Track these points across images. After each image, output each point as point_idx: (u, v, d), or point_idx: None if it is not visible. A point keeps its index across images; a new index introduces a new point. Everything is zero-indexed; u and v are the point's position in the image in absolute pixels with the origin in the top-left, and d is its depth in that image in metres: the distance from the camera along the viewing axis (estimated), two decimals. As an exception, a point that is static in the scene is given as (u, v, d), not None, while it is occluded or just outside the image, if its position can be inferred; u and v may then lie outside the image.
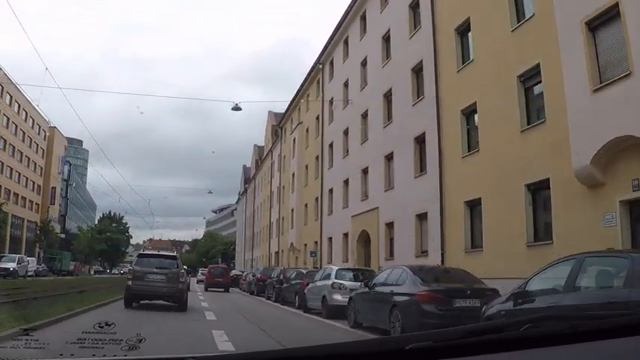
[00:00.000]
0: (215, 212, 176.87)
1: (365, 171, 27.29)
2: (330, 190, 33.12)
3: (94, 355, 2.14)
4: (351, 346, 1.56)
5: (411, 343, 1.43)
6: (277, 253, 49.74)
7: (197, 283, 41.82)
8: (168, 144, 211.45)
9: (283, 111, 52.28)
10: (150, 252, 22.04)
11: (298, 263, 38.65)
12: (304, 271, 20.56)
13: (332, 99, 33.84)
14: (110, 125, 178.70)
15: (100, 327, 2.47)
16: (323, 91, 35.86)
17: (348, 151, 30.45)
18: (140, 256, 16.85)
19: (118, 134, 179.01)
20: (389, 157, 24.46)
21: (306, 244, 38.34)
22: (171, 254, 18.87)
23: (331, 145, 33.58)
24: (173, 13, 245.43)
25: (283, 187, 48.52)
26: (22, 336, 2.58)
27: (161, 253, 20.36)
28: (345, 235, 29.52)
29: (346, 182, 30.18)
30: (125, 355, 2.12)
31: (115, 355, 2.11)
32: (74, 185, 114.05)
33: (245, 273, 41.54)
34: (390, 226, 23.81)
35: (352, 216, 28.19)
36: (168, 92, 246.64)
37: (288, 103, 47.02)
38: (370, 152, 26.54)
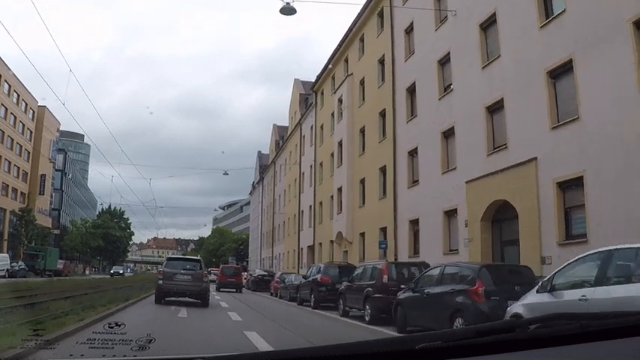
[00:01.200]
0: (222, 209, 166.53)
1: (494, 107, 17.07)
2: (412, 152, 22.94)
3: (104, 355, 2.17)
4: (360, 347, 1.51)
5: (420, 343, 1.42)
6: (312, 247, 39.61)
7: None
8: (173, 143, 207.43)
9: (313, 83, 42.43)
10: (177, 256, 23.17)
11: (349, 259, 28.59)
12: (472, 269, 9.86)
13: (412, 24, 23.69)
14: (114, 124, 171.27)
15: (110, 327, 2.45)
16: (392, 19, 25.68)
17: (448, 87, 20.24)
18: (169, 259, 18.68)
19: (123, 133, 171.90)
20: (559, 71, 14.25)
21: (363, 233, 28.19)
22: (196, 258, 20.40)
23: (412, 89, 23.39)
24: (178, 13, 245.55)
25: (320, 163, 38.40)
26: (33, 337, 2.57)
27: (187, 257, 21.58)
28: (449, 212, 19.36)
29: (447, 133, 19.99)
30: (135, 356, 2.06)
31: (124, 356, 2.05)
32: (71, 177, 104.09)
33: (280, 274, 31.38)
34: (567, 186, 13.64)
35: (467, 182, 18.01)
36: (174, 91, 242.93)
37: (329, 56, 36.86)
38: (507, 74, 16.33)
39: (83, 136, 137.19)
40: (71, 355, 2.32)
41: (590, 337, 1.44)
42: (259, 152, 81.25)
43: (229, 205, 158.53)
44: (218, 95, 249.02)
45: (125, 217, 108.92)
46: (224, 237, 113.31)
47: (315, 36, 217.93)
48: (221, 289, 30.10)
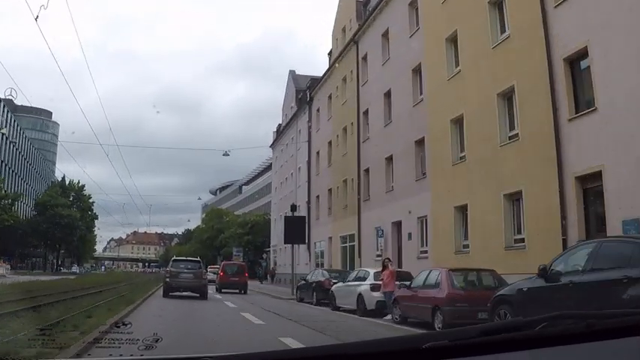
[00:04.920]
0: (214, 194, 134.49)
1: None
2: None
3: (110, 354, 2.18)
4: (367, 346, 1.52)
5: (427, 342, 1.42)
6: None
7: None
8: (153, 140, 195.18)
9: None
10: (181, 258, 25.38)
11: None
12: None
13: None
14: (93, 119, 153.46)
15: (116, 326, 2.47)
16: None
17: None
18: (174, 260, 21.62)
19: (105, 129, 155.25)
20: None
21: None
22: (196, 259, 22.61)
23: None
24: (157, 8, 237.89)
25: None
26: (39, 336, 2.61)
27: (189, 258, 24.33)
28: None
29: None
30: (142, 355, 2.07)
31: (131, 355, 2.04)
32: (7, 138, 71.97)
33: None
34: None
35: None
36: (153, 87, 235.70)
37: None
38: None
39: (51, 113, 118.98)
40: (78, 354, 2.52)
41: (597, 335, 1.42)
42: (292, 73, 50.14)
43: (223, 188, 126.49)
44: (198, 91, 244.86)
45: (85, 193, 77.15)
46: (223, 221, 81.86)
47: (295, 29, 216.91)
48: (222, 290, 26.18)
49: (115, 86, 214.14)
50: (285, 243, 26.80)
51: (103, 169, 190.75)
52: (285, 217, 26.81)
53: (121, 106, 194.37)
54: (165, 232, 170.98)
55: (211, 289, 25.99)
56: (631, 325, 1.47)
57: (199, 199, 63.34)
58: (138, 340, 2.17)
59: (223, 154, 34.39)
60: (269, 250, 55.75)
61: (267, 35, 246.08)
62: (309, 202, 37.66)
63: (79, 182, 76.65)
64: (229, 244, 72.01)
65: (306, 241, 25.11)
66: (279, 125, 53.47)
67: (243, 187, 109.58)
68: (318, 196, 36.25)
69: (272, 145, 55.51)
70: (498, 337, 1.48)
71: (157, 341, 2.11)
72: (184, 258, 25.09)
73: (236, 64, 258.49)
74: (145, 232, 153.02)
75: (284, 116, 51.22)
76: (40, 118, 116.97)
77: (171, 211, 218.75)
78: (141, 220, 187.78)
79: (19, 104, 73.34)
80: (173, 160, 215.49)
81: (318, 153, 37.00)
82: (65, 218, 65.91)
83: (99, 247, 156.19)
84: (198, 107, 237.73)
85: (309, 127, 39.33)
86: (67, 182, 77.54)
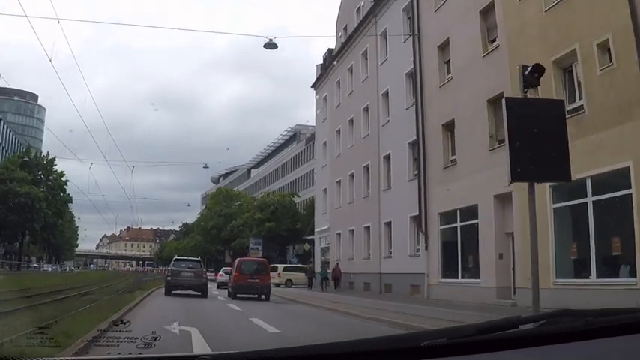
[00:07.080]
0: (216, 182, 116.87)
1: None
2: None
3: (109, 353, 2.23)
4: (365, 344, 1.48)
5: (425, 340, 1.41)
6: None
7: (218, 287, 29.31)
8: (149, 137, 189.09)
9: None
10: (182, 257, 25.51)
11: None
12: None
13: None
14: (88, 117, 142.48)
15: (115, 325, 2.44)
16: None
17: None
18: (176, 260, 22.07)
19: (99, 126, 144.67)
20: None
21: None
22: (197, 259, 22.86)
23: None
24: (151, 4, 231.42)
25: None
26: (38, 334, 2.53)
27: (190, 258, 24.65)
28: None
29: None
30: (140, 353, 2.03)
31: (130, 353, 2.00)
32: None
33: None
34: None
35: None
36: (146, 84, 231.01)
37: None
38: None
39: (37, 96, 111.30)
40: (76, 352, 2.46)
41: (595, 333, 1.40)
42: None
43: (227, 175, 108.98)
44: (194, 88, 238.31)
45: (57, 169, 59.51)
46: (234, 206, 64.45)
47: (290, 26, 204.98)
48: (238, 295, 20.20)
49: (111, 83, 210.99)
50: (512, 180, 9.06)
51: (99, 168, 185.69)
52: (509, 101, 8.79)
53: (117, 103, 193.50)
54: (161, 228, 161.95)
55: (214, 290, 25.17)
56: (629, 322, 1.44)
57: (206, 166, 46.49)
58: (136, 338, 2.12)
59: (264, 46, 19.26)
60: (312, 239, 38.28)
61: (263, 32, 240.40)
62: (422, 141, 20.19)
63: (47, 155, 59.16)
64: (242, 234, 55.01)
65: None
66: (329, 52, 35.93)
67: (252, 170, 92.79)
68: (447, 125, 18.87)
69: (314, 85, 37.91)
70: (496, 334, 1.45)
71: (155, 339, 2.05)
72: (185, 257, 25.63)
73: (231, 60, 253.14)
74: (140, 227, 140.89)
75: (339, 34, 33.76)
76: (24, 101, 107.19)
77: (166, 209, 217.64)
78: (134, 218, 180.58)
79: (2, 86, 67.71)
80: (167, 158, 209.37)
81: (442, 47, 19.56)
82: (22, 197, 48.12)
83: (91, 245, 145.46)
84: (194, 105, 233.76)
85: (415, 11, 21.83)
86: (33, 154, 60.07)
